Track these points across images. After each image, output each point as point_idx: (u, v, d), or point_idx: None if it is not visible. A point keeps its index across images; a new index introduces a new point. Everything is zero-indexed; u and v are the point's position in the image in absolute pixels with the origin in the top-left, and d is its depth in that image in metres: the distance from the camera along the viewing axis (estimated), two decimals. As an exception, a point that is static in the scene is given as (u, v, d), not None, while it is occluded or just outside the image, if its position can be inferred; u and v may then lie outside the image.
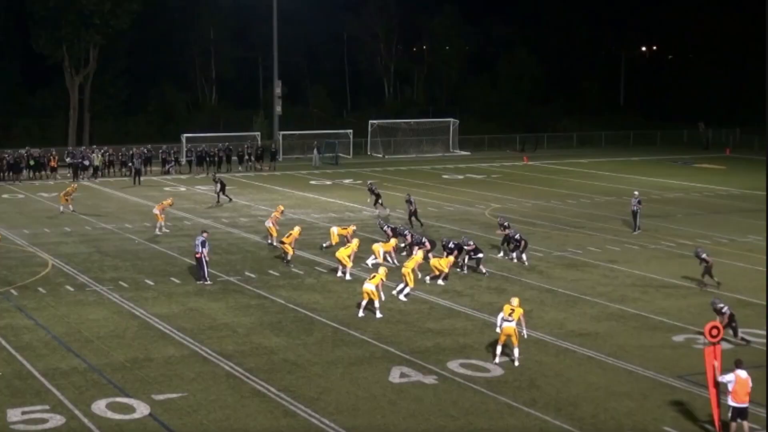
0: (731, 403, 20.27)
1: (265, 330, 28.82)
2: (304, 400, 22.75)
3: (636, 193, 47.26)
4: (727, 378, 20.25)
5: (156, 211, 44.95)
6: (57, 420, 21.39)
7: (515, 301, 26.00)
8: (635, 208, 45.66)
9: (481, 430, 21.08)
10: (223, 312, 30.86)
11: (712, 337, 20.62)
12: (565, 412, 22.14)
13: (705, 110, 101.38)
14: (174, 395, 22.99)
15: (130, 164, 66.41)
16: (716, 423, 20.74)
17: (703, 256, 34.41)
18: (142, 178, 64.13)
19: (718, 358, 20.57)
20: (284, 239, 38.38)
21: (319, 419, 21.56)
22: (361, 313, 30.09)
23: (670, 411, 22.23)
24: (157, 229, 44.57)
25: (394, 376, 24.58)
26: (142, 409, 22.05)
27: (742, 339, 27.27)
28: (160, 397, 22.85)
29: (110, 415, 21.73)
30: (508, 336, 25.26)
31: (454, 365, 25.38)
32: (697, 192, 61.21)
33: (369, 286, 30.05)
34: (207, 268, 34.84)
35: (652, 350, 26.87)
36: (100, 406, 22.16)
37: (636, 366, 25.49)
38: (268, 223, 42.08)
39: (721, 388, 20.81)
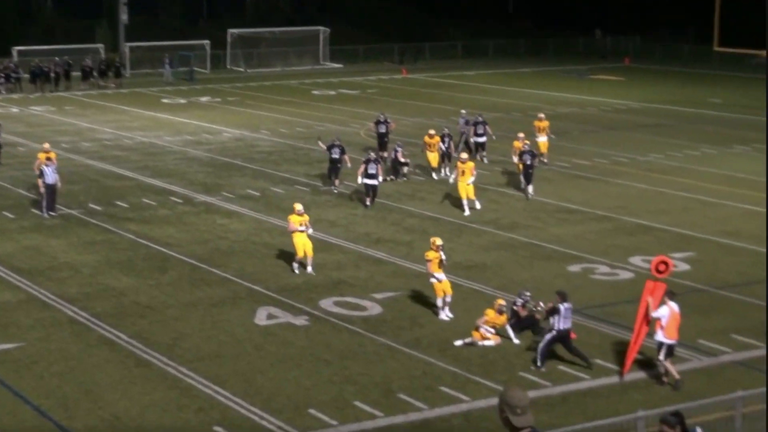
0: (664, 339, 20.39)
1: (113, 269, 28.54)
2: (159, 347, 22.63)
3: (463, 111, 46.79)
4: (660, 312, 20.35)
5: None
6: None
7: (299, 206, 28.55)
8: (463, 130, 44.39)
9: (358, 375, 21.21)
10: (65, 250, 30.45)
11: (658, 272, 20.66)
12: (450, 352, 22.42)
13: (602, 16, 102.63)
14: (9, 345, 22.67)
15: None
16: (627, 363, 20.92)
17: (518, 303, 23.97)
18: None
19: (655, 295, 20.50)
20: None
21: (175, 368, 21.47)
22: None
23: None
24: None
25: (261, 317, 24.61)
26: (-28, 363, 21.73)
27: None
28: (-6, 348, 22.55)
29: (-65, 370, 21.36)
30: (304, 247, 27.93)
31: (327, 304, 25.51)
32: (593, 106, 62.20)
33: None
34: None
35: (545, 281, 27.24)
36: None
37: (528, 299, 25.91)
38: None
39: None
